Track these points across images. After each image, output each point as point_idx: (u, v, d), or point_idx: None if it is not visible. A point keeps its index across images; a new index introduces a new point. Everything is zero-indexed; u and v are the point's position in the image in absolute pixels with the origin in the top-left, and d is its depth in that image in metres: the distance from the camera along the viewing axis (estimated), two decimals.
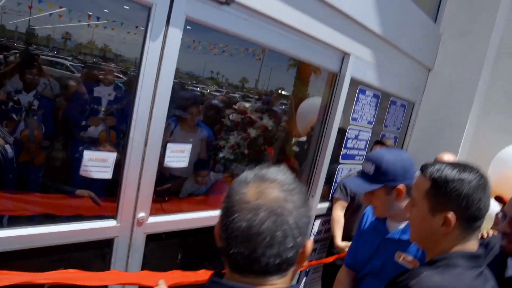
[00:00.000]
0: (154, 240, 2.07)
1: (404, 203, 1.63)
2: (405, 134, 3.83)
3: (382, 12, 2.72)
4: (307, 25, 2.24)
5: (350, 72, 2.67)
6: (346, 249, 2.08)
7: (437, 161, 1.22)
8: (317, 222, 3.05)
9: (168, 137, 3.50)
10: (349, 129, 2.97)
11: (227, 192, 0.82)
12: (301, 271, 3.13)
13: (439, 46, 3.73)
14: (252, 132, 3.97)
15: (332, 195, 2.99)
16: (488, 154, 3.42)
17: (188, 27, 1.76)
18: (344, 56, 2.65)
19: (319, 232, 3.11)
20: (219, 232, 0.80)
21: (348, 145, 3.02)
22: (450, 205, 1.10)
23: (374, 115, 3.18)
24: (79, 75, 8.84)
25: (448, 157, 2.90)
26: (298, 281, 3.18)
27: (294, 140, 4.29)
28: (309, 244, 0.82)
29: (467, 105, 3.55)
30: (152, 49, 1.64)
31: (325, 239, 3.19)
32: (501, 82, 3.61)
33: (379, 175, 1.64)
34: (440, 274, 1.06)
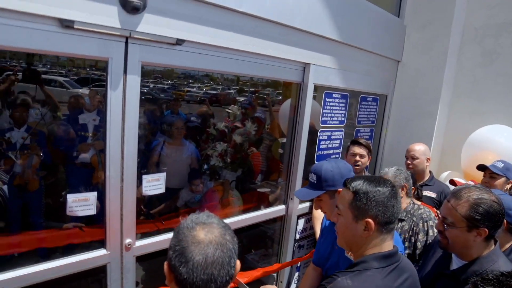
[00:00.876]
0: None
1: None
2: (381, 126, 4.00)
3: (338, 19, 2.89)
4: (261, 47, 2.43)
5: (312, 80, 2.85)
6: None
7: (356, 177, 1.44)
8: (301, 221, 3.25)
9: (157, 158, 3.75)
10: (320, 131, 3.15)
11: (176, 238, 1.08)
12: (292, 266, 3.35)
13: (405, 39, 3.87)
14: (237, 139, 4.15)
15: None
16: (462, 137, 3.60)
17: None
18: (305, 67, 2.82)
19: (304, 229, 3.32)
20: (171, 271, 1.06)
21: (322, 146, 3.21)
22: (370, 212, 1.33)
23: (344, 114, 3.35)
24: (73, 90, 9.07)
25: (419, 147, 3.08)
26: (291, 275, 3.41)
27: (279, 141, 4.47)
28: (238, 263, 1.13)
29: (437, 92, 3.71)
30: (114, 97, 1.85)
31: (311, 235, 3.39)
32: (468, 67, 3.75)
33: (321, 183, 1.93)
34: (351, 279, 1.29)
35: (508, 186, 2.76)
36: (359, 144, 3.02)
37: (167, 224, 3.08)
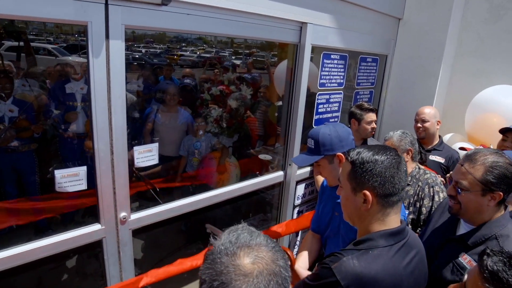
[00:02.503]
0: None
1: None
2: (381, 88, 3.87)
3: None
4: (254, 6, 2.26)
5: (310, 40, 2.69)
6: None
7: (357, 147, 1.35)
8: (300, 187, 3.19)
9: (151, 126, 3.66)
10: (318, 94, 3.03)
11: (212, 269, 0.81)
12: (292, 233, 3.34)
13: None
14: (233, 103, 4.03)
15: None
16: (465, 99, 3.47)
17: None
18: (301, 27, 2.66)
19: (303, 195, 3.27)
20: None
21: (320, 110, 3.10)
22: (367, 184, 1.24)
23: (343, 76, 3.21)
24: (62, 58, 8.81)
25: (429, 109, 2.96)
26: (291, 241, 3.40)
27: (276, 104, 4.35)
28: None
29: (439, 51, 3.55)
30: (97, 65, 1.71)
31: (311, 200, 3.35)
32: (473, 24, 3.57)
33: (318, 148, 1.89)
34: (357, 259, 1.20)
35: None
36: (373, 110, 2.93)
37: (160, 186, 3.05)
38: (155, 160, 2.19)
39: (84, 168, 1.90)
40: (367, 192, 1.24)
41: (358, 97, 3.55)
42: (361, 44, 3.30)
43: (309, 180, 3.24)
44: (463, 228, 1.64)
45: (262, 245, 0.84)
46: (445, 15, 3.47)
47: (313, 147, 1.92)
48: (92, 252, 2.21)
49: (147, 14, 1.82)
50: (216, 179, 3.71)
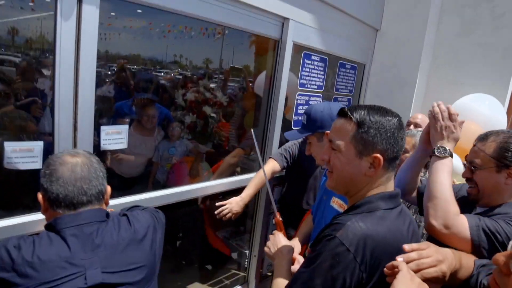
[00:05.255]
0: None
1: None
2: (359, 96, 3.86)
3: None
4: None
5: (292, 37, 2.64)
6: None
7: (356, 105, 1.21)
8: (278, 190, 3.05)
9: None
10: (298, 94, 2.96)
11: (45, 166, 1.22)
12: None
13: (384, 6, 3.74)
14: (208, 110, 3.92)
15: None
16: None
17: (139, 11, 1.68)
18: (283, 22, 2.61)
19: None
20: (44, 198, 1.20)
21: (299, 111, 3.02)
22: (379, 146, 1.11)
23: (323, 80, 3.18)
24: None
25: (422, 116, 2.95)
26: None
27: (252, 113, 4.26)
28: (108, 187, 1.32)
29: (416, 62, 3.60)
30: (65, 28, 1.55)
31: None
32: (447, 36, 3.67)
33: (310, 124, 1.85)
34: (362, 221, 1.07)
35: None
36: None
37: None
38: (124, 144, 1.98)
39: (41, 143, 1.65)
40: (379, 156, 1.10)
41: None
42: (340, 49, 3.30)
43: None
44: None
45: (80, 153, 1.27)
46: (421, 28, 3.55)
47: (305, 122, 1.88)
48: None
49: None
50: (187, 184, 3.52)
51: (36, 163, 1.64)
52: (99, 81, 4.84)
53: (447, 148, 1.42)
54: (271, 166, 2.50)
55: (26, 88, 3.09)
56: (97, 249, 1.17)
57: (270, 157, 2.61)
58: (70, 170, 1.19)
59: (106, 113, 3.30)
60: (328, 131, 1.69)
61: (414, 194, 1.73)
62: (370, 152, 1.12)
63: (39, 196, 1.22)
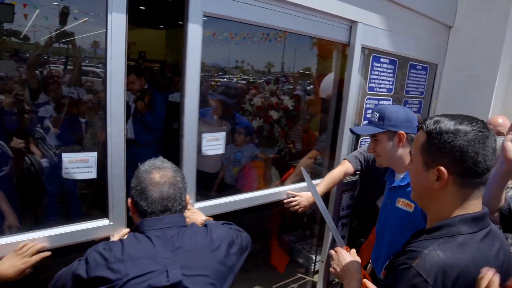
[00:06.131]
0: None
1: (405, 152, 1.81)
2: (431, 98, 3.69)
3: None
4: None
5: (360, 40, 2.60)
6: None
7: (438, 115, 1.16)
8: (346, 196, 3.01)
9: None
10: (366, 99, 2.90)
11: (136, 180, 1.36)
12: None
13: (458, 1, 3.54)
14: (274, 114, 3.97)
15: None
16: None
17: (204, 18, 1.80)
18: (351, 25, 2.59)
19: (348, 206, 3.07)
20: (134, 205, 1.37)
21: (368, 115, 2.95)
22: (443, 159, 1.05)
23: (393, 82, 3.08)
24: None
25: (503, 120, 2.75)
26: None
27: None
28: (188, 197, 1.46)
29: (495, 61, 3.36)
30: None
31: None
32: None
33: (383, 121, 1.85)
34: (440, 249, 1.02)
35: None
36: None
37: None
38: (221, 150, 2.18)
39: (95, 154, 1.75)
40: (442, 169, 1.04)
41: (406, 105, 3.38)
42: (411, 50, 3.18)
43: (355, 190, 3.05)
44: None
45: (167, 167, 1.40)
46: (501, 22, 3.30)
47: (376, 120, 1.88)
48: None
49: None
50: (256, 189, 3.60)
51: (91, 173, 1.76)
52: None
53: None
54: (345, 167, 2.51)
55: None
56: (177, 251, 1.29)
57: (344, 159, 2.60)
58: (158, 191, 1.33)
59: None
60: (400, 132, 1.79)
61: (497, 213, 1.56)
62: (436, 164, 1.06)
63: (129, 201, 1.40)
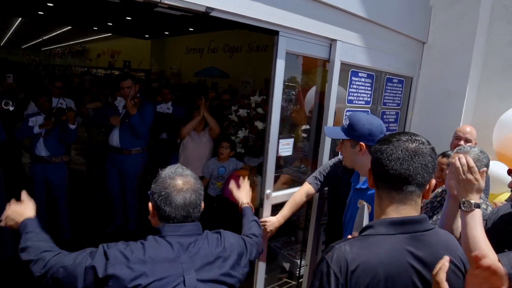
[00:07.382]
0: None
1: (366, 159, 1.99)
2: (407, 109, 3.90)
3: None
4: (293, 22, 2.40)
5: (339, 57, 2.78)
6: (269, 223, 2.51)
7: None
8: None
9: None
10: (346, 111, 3.08)
11: (160, 186, 1.45)
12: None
13: (431, 19, 3.77)
14: (259, 125, 4.12)
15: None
16: (491, 120, 3.50)
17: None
18: (331, 44, 2.77)
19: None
20: (155, 209, 1.46)
21: None
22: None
23: (370, 95, 3.28)
24: None
25: (471, 129, 2.93)
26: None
27: (303, 127, 4.38)
28: (202, 203, 1.54)
29: (465, 74, 3.59)
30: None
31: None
32: (497, 47, 3.64)
33: (350, 130, 2.07)
34: (350, 245, 1.17)
35: None
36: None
37: None
38: (289, 152, 2.79)
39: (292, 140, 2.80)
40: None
41: (384, 116, 3.58)
42: (387, 64, 3.38)
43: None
44: None
45: (189, 174, 1.51)
46: (470, 38, 3.55)
47: (346, 126, 2.10)
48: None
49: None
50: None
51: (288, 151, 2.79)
52: None
53: (472, 202, 1.47)
54: (306, 189, 2.60)
55: None
56: (194, 257, 1.41)
57: (306, 181, 2.68)
58: (182, 198, 1.43)
59: None
60: (362, 143, 2.03)
61: None
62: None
63: (150, 205, 1.50)
